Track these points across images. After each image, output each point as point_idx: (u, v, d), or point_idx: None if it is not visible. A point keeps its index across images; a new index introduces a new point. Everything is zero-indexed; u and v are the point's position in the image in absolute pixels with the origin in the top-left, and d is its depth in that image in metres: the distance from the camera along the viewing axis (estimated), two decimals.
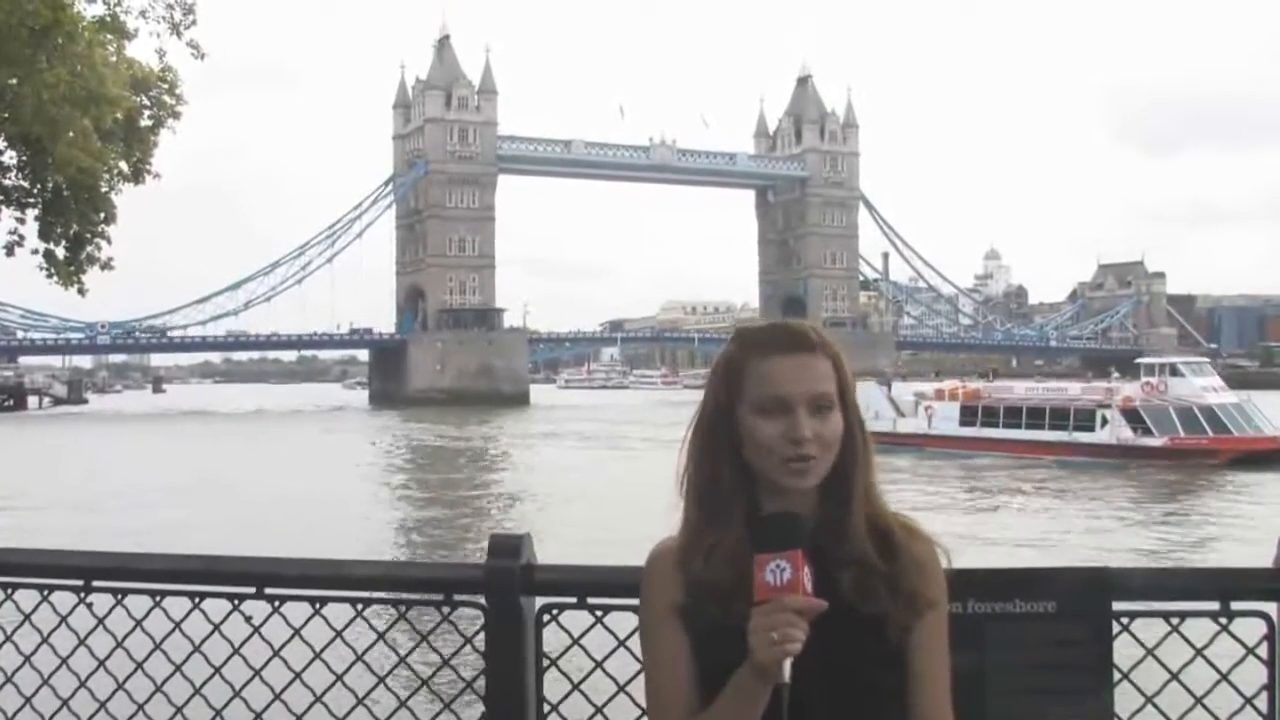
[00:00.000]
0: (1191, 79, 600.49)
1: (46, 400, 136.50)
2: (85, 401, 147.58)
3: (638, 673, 2.35)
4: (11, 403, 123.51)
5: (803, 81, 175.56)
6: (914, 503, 35.33)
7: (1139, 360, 61.06)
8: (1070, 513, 35.57)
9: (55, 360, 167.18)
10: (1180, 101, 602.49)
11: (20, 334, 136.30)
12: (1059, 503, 38.27)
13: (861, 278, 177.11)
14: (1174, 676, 2.78)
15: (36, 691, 3.39)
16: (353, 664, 3.18)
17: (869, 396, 61.88)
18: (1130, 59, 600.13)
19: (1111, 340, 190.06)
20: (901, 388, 67.69)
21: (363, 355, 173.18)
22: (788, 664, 1.97)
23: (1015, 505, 38.11)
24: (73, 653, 3.36)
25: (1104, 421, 51.62)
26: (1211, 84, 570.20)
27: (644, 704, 2.30)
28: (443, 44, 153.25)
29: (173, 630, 3.24)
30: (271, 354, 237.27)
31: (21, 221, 14.07)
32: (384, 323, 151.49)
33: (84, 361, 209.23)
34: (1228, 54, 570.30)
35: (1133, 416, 50.93)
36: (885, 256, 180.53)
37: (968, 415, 57.12)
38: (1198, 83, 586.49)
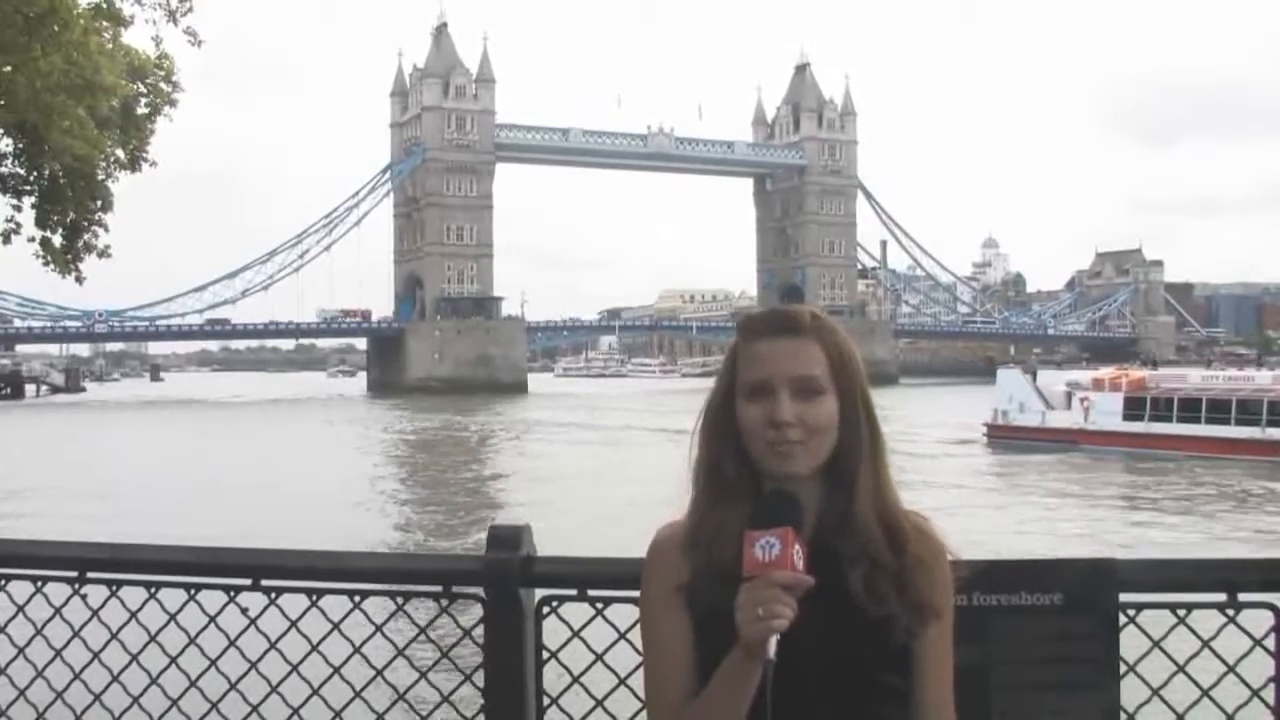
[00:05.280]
0: (1189, 70, 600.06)
1: (44, 389, 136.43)
2: (83, 390, 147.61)
3: (638, 665, 2.33)
4: (9, 391, 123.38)
5: (800, 69, 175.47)
6: (1089, 517, 31.76)
7: None
8: None
9: (53, 348, 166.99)
10: (1177, 92, 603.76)
11: (17, 322, 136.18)
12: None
13: (859, 266, 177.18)
14: (1180, 669, 2.75)
15: (30, 684, 3.36)
16: (350, 656, 3.15)
17: (1013, 386, 56.70)
18: (1128, 50, 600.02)
19: (1109, 328, 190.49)
20: (1050, 376, 59.88)
21: (361, 343, 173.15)
22: (773, 641, 1.95)
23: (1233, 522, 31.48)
24: (67, 645, 3.34)
25: None
26: (1209, 75, 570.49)
27: (644, 694, 2.27)
28: (440, 32, 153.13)
29: (168, 622, 3.22)
30: (269, 342, 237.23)
31: (18, 209, 14.03)
32: (382, 311, 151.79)
33: (81, 350, 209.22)
34: (1225, 46, 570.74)
35: None
36: (883, 245, 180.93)
37: (1133, 408, 49.92)
38: (1195, 74, 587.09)
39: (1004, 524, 28.96)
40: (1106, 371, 58.08)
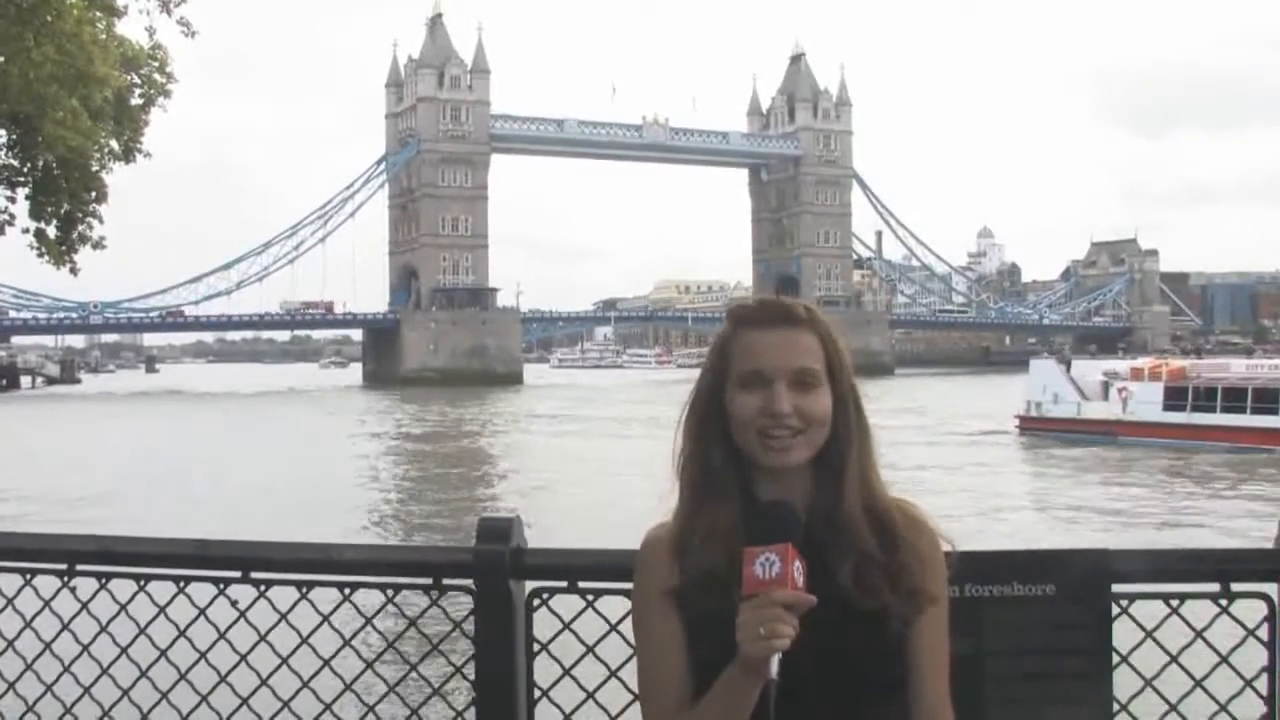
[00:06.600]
0: (1183, 61, 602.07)
1: (39, 380, 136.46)
2: (78, 381, 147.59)
3: (629, 658, 2.31)
4: (4, 382, 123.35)
5: (796, 60, 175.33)
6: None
7: None
8: None
9: (48, 340, 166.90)
10: (1171, 82, 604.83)
11: (13, 314, 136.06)
12: None
13: (855, 256, 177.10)
14: (1173, 659, 2.74)
15: (19, 677, 3.34)
16: (340, 648, 3.14)
17: (1046, 377, 54.69)
18: (1122, 40, 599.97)
19: (1105, 317, 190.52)
20: (1085, 366, 57.43)
21: (356, 335, 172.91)
22: (775, 660, 1.93)
23: None
24: (56, 637, 3.31)
25: None
26: (1203, 66, 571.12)
27: (636, 689, 2.26)
28: (435, 22, 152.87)
29: (158, 615, 3.20)
30: (265, 334, 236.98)
31: (12, 200, 14.06)
32: (377, 303, 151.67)
33: (77, 341, 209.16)
34: (1219, 37, 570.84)
35: None
36: (879, 235, 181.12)
37: (1174, 398, 47.82)
38: (1189, 65, 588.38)
39: (1056, 519, 28.85)
40: (1145, 361, 56.00)
